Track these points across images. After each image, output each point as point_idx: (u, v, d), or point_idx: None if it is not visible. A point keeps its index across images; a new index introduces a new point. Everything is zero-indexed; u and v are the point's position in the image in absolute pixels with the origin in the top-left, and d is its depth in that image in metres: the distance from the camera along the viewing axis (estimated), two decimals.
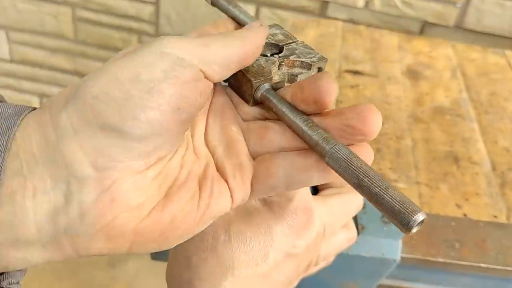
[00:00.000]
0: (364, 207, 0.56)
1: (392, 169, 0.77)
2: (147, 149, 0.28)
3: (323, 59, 0.37)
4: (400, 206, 0.26)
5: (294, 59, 0.36)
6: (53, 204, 0.26)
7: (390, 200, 0.27)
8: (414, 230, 0.26)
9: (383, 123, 0.87)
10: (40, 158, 0.27)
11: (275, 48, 0.38)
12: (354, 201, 0.46)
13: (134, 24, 1.55)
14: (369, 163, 0.30)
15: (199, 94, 0.29)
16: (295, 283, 0.43)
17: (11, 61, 1.72)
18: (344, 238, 0.47)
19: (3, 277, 0.29)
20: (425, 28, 1.30)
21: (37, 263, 0.27)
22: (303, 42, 0.38)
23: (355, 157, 0.29)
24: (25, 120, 0.28)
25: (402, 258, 0.56)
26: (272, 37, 0.38)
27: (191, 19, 1.49)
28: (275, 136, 0.33)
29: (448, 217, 0.68)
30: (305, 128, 0.31)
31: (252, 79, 0.33)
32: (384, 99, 0.93)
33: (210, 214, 0.31)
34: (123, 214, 0.27)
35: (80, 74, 1.72)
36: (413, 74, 1.02)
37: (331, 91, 0.31)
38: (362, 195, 0.28)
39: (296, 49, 0.37)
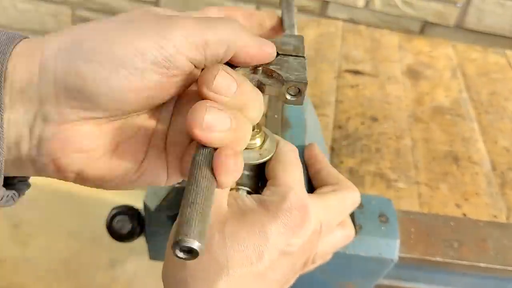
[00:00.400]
0: (361, 206, 0.56)
1: (392, 169, 0.76)
2: (110, 115, 0.32)
3: (303, 80, 0.35)
4: (183, 223, 0.27)
5: (273, 69, 0.35)
6: (20, 133, 0.31)
7: (185, 213, 0.27)
8: (179, 254, 0.27)
9: (383, 123, 0.87)
10: (21, 93, 0.30)
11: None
12: (350, 198, 0.46)
13: None
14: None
15: (181, 85, 0.32)
16: (292, 281, 0.43)
17: None
18: (341, 235, 0.47)
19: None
20: (425, 27, 1.30)
21: (10, 174, 0.33)
22: (305, 60, 0.37)
23: (209, 169, 0.30)
24: (17, 49, 0.31)
25: (400, 257, 0.56)
26: (280, 44, 0.37)
27: None
28: None
29: (447, 216, 0.68)
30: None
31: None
32: (384, 99, 0.93)
33: (145, 180, 0.35)
34: (73, 155, 0.32)
35: None
36: (413, 74, 1.02)
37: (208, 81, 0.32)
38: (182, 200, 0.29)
39: (287, 62, 0.36)
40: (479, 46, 1.16)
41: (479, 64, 1.09)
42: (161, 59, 0.30)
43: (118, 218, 0.60)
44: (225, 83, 0.31)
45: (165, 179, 0.36)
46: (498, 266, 0.61)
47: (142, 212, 0.59)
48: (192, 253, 0.26)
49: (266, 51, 0.34)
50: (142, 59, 0.29)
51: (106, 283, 1.69)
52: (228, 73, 0.31)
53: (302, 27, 1.13)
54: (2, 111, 0.29)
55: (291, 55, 0.36)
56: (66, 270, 1.71)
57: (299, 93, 0.35)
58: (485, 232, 0.65)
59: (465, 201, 0.73)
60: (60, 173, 0.33)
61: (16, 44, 0.31)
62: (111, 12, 1.53)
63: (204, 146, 0.30)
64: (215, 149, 0.31)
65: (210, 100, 0.31)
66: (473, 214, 0.70)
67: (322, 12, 1.34)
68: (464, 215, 0.70)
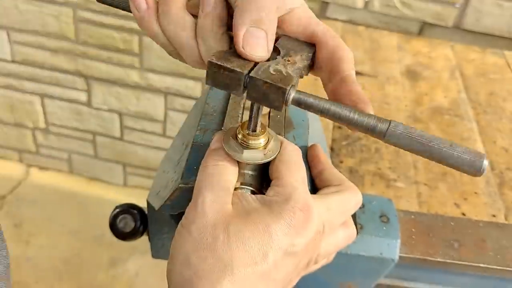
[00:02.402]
0: (362, 206, 0.57)
1: (391, 169, 0.77)
2: None
3: (312, 46, 0.39)
4: (470, 156, 0.31)
5: (295, 56, 0.38)
6: None
7: (460, 154, 0.32)
8: (485, 172, 0.31)
9: None
10: None
11: (275, 51, 0.38)
12: (353, 199, 0.46)
13: (135, 25, 1.56)
14: None
15: None
16: (295, 281, 0.43)
17: (13, 61, 1.72)
18: (343, 235, 0.47)
19: None
20: (424, 28, 1.31)
21: None
22: (285, 35, 0.41)
23: (411, 128, 0.33)
24: None
25: (400, 257, 0.56)
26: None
27: None
28: None
29: (447, 217, 0.68)
30: (355, 117, 0.35)
31: (282, 86, 0.35)
32: (384, 99, 0.93)
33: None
34: None
35: (81, 75, 1.72)
36: (412, 74, 1.03)
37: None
38: (432, 159, 0.33)
39: (288, 44, 0.39)
40: (477, 46, 1.17)
41: (478, 64, 1.10)
42: None
43: (121, 217, 0.61)
44: None
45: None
46: (497, 267, 0.62)
47: (145, 211, 0.59)
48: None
49: None
50: None
51: (108, 282, 1.70)
52: None
53: None
54: None
55: (276, 39, 0.41)
56: (67, 269, 1.71)
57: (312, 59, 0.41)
58: (485, 233, 0.66)
59: (464, 200, 0.73)
60: None
61: None
62: (113, 13, 1.54)
63: None
64: None
65: None
66: (472, 214, 0.71)
67: (321, 13, 1.35)
68: (463, 214, 0.71)
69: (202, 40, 0.41)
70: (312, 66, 0.42)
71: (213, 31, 0.40)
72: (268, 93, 0.35)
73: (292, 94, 0.35)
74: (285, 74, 0.35)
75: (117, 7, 0.43)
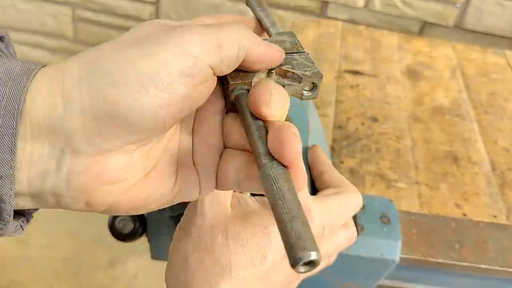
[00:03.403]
0: (363, 207, 0.56)
1: (392, 169, 0.77)
2: (142, 138, 0.30)
3: (318, 74, 0.35)
4: (295, 240, 0.26)
5: (286, 69, 0.35)
6: (45, 166, 0.29)
7: (290, 231, 0.26)
8: (301, 269, 0.26)
9: (383, 123, 0.87)
10: (44, 127, 0.28)
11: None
12: (353, 200, 0.46)
13: (134, 24, 1.56)
14: (300, 186, 0.30)
15: (205, 94, 0.31)
16: (296, 283, 0.43)
17: None
18: (343, 237, 0.47)
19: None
20: (425, 28, 1.30)
21: (26, 207, 0.31)
22: (308, 54, 0.37)
23: (284, 179, 0.28)
24: (34, 83, 0.29)
25: (401, 258, 0.56)
26: (279, 44, 0.37)
27: (191, 19, 1.49)
28: (237, 132, 0.33)
29: (448, 217, 0.68)
30: (255, 138, 0.30)
31: (231, 80, 0.33)
32: (384, 99, 0.93)
33: (180, 198, 0.34)
34: (105, 187, 0.30)
35: None
36: (412, 74, 1.02)
37: (266, 101, 0.31)
38: (274, 217, 0.28)
39: (295, 60, 0.36)
40: (478, 46, 1.17)
41: (479, 64, 1.09)
42: (186, 68, 0.29)
43: (120, 218, 0.61)
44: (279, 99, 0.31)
45: (197, 193, 0.34)
46: (498, 267, 0.62)
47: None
48: (313, 263, 0.26)
49: (276, 50, 0.33)
50: (167, 72, 0.28)
51: (107, 282, 1.69)
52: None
53: (302, 28, 1.13)
54: (15, 147, 0.28)
55: (295, 52, 0.37)
56: (66, 269, 1.71)
57: (314, 87, 0.35)
58: (486, 233, 0.65)
59: (465, 201, 0.73)
60: (90, 206, 0.31)
61: (33, 77, 0.29)
62: (111, 12, 1.53)
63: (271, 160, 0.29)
64: (276, 160, 0.29)
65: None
66: (473, 214, 0.71)
67: (321, 12, 1.34)
68: (464, 215, 0.70)
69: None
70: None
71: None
72: (224, 83, 0.34)
73: (236, 93, 0.33)
74: (249, 74, 0.34)
75: None
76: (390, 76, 1.00)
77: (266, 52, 0.32)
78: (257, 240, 0.37)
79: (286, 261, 0.39)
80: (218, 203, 0.39)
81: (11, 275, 1.67)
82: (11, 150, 0.27)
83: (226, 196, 0.40)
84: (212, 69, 0.30)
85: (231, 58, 0.31)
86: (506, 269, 0.62)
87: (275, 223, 0.37)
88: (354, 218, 0.54)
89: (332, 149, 0.79)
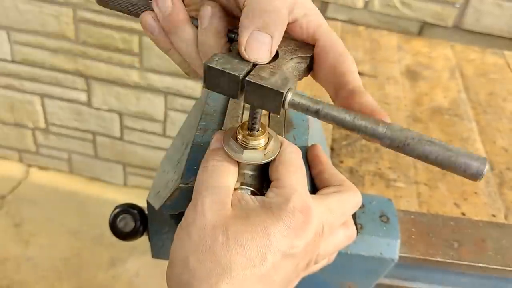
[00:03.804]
0: (362, 206, 0.57)
1: (391, 169, 0.77)
2: None
3: (311, 46, 0.39)
4: (470, 160, 0.31)
5: (294, 57, 0.37)
6: None
7: (460, 159, 0.31)
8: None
9: None
10: None
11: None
12: (353, 199, 0.46)
13: (135, 25, 1.56)
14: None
15: None
16: (295, 282, 0.43)
17: (13, 61, 1.72)
18: (343, 236, 0.47)
19: None
20: (424, 28, 1.31)
21: None
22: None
23: (409, 131, 0.33)
24: None
25: (400, 257, 0.56)
26: None
27: None
28: None
29: (447, 216, 0.68)
30: (356, 121, 0.34)
31: (279, 89, 0.34)
32: (383, 99, 0.93)
33: None
34: None
35: (81, 75, 1.72)
36: (412, 74, 1.03)
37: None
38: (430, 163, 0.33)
39: (287, 45, 0.39)
40: (477, 46, 1.17)
41: (478, 64, 1.10)
42: None
43: (121, 216, 0.61)
44: None
45: None
46: (497, 266, 0.62)
47: (145, 211, 0.59)
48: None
49: None
50: None
51: (108, 282, 1.70)
52: None
53: None
54: None
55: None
56: (67, 269, 1.72)
57: (310, 63, 0.40)
58: (485, 233, 0.66)
59: (464, 200, 0.73)
60: None
61: None
62: (112, 13, 1.53)
63: None
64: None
65: None
66: (471, 214, 0.71)
67: (321, 12, 1.35)
68: (463, 214, 0.71)
69: (204, 55, 0.41)
70: (311, 68, 0.42)
71: (213, 46, 0.40)
72: (265, 97, 0.35)
73: (289, 97, 0.35)
74: (283, 77, 0.35)
75: (128, 13, 0.43)
76: (390, 76, 1.01)
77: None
78: (257, 240, 0.37)
79: (286, 261, 0.39)
80: (218, 203, 0.39)
81: (12, 275, 1.67)
82: None
83: (226, 196, 0.40)
84: None
85: None
86: (504, 268, 0.62)
87: (275, 223, 0.38)
88: (354, 217, 0.54)
89: (332, 149, 0.79)
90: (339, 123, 0.34)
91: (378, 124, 0.33)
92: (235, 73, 0.35)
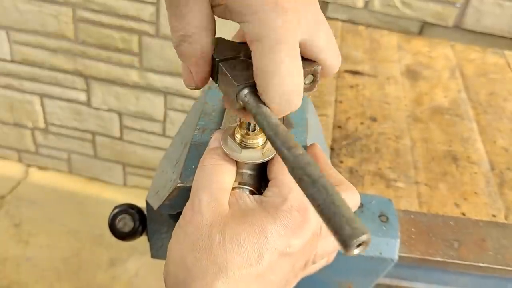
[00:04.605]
0: (361, 205, 0.56)
1: (391, 169, 0.77)
2: None
3: (315, 64, 0.37)
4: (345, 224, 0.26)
5: None
6: None
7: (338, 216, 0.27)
8: (357, 251, 0.26)
9: (382, 123, 0.87)
10: None
11: None
12: (351, 198, 0.46)
13: (134, 24, 1.56)
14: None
15: None
16: (294, 282, 0.43)
17: (12, 61, 1.72)
18: None
19: None
20: (424, 28, 1.31)
21: None
22: None
23: (313, 167, 0.30)
24: None
25: (400, 257, 0.56)
26: None
27: None
28: None
29: (447, 216, 0.68)
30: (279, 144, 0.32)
31: (235, 83, 0.34)
32: (383, 99, 0.93)
33: None
34: None
35: (80, 74, 1.72)
36: (412, 74, 1.03)
37: None
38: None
39: None
40: (477, 46, 1.17)
41: (478, 64, 1.09)
42: None
43: (120, 217, 0.60)
44: None
45: None
46: (497, 266, 0.62)
47: (144, 211, 0.59)
48: (366, 243, 0.26)
49: None
50: None
51: (107, 282, 1.69)
52: None
53: None
54: None
55: None
56: (67, 269, 1.71)
57: (314, 80, 0.37)
58: (485, 232, 0.66)
59: (464, 200, 0.73)
60: None
61: None
62: (112, 12, 1.53)
63: None
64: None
65: None
66: (472, 214, 0.71)
67: (322, 12, 1.34)
68: (463, 214, 0.70)
69: None
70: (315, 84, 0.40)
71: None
72: (227, 85, 0.35)
73: (244, 93, 0.34)
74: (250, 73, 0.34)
75: None
76: (390, 76, 1.00)
77: None
78: (254, 240, 0.37)
79: (283, 261, 0.39)
80: (215, 201, 0.39)
81: (11, 275, 1.67)
82: None
83: (224, 195, 0.40)
84: None
85: None
86: (504, 267, 0.62)
87: (272, 222, 0.38)
88: None
89: (332, 149, 0.79)
90: (265, 134, 0.33)
91: (291, 148, 0.31)
92: (214, 55, 0.36)
